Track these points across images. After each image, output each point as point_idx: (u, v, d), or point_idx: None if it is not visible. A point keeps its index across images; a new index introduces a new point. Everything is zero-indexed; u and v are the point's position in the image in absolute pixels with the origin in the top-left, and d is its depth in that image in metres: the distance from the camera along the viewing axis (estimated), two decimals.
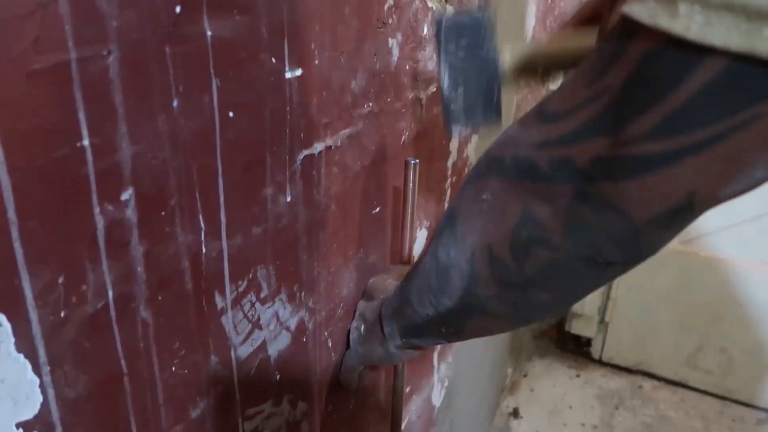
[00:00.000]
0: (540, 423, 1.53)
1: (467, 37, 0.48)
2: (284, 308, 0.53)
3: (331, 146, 0.54)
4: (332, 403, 0.65)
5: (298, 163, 0.49)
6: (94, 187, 0.32)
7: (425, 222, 0.81)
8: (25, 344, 0.30)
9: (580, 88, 0.31)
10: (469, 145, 0.91)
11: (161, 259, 0.38)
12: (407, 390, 0.78)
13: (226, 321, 0.45)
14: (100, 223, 0.33)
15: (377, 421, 0.78)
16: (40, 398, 0.32)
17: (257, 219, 0.46)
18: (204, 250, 0.41)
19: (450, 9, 0.72)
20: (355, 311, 0.65)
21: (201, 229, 0.40)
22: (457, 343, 1.07)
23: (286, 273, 0.51)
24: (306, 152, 0.50)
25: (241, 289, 0.46)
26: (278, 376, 0.54)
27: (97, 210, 0.33)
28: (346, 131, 0.56)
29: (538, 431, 1.50)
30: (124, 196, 0.34)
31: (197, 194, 0.39)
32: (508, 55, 0.51)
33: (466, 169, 0.92)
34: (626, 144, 0.29)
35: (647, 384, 1.68)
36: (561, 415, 1.56)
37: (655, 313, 1.62)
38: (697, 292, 1.56)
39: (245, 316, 0.47)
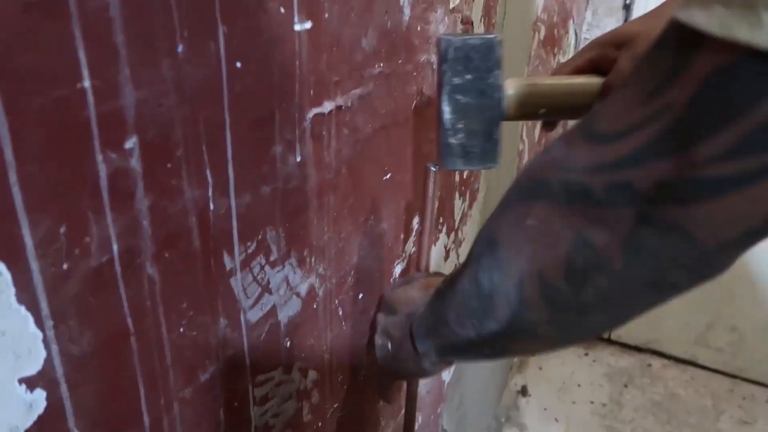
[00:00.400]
0: (548, 400, 1.52)
1: (476, 62, 0.45)
2: (294, 273, 0.51)
3: (341, 106, 0.52)
4: (343, 374, 0.64)
5: (308, 121, 0.48)
6: (96, 132, 0.30)
7: (436, 192, 0.79)
8: (26, 296, 0.29)
9: (635, 106, 0.29)
10: None
11: (168, 213, 0.36)
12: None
13: (235, 283, 0.44)
14: (102, 171, 0.31)
15: (390, 393, 0.77)
16: (44, 353, 0.31)
17: (266, 178, 0.44)
18: (212, 206, 0.39)
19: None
20: (374, 323, 0.63)
21: (208, 183, 0.39)
22: None
23: (296, 237, 0.50)
24: (316, 111, 0.48)
25: (250, 251, 0.45)
26: (288, 343, 0.53)
27: (99, 157, 0.31)
28: (357, 91, 0.54)
29: (547, 408, 1.50)
30: (128, 144, 0.32)
31: (204, 147, 0.38)
32: (510, 90, 0.48)
33: None
34: (695, 166, 0.27)
35: (656, 362, 1.67)
36: (569, 393, 1.55)
37: None
38: None
39: (255, 278, 0.46)
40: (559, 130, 0.66)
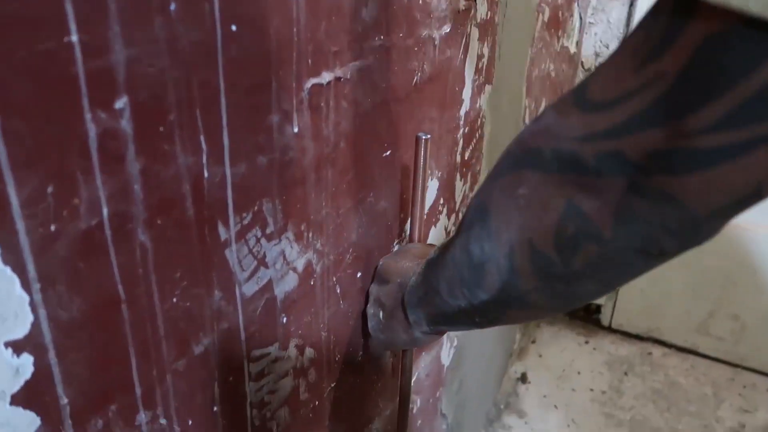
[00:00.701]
0: (548, 388, 1.52)
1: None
2: (291, 248, 0.50)
3: (340, 78, 0.51)
4: (340, 353, 0.63)
5: (306, 92, 0.47)
6: (84, 89, 0.29)
7: (437, 172, 0.78)
8: (11, 257, 0.28)
9: (628, 74, 0.28)
10: (482, 96, 0.88)
11: (160, 179, 0.35)
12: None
13: (230, 254, 0.43)
14: (92, 131, 0.30)
15: (386, 373, 0.76)
16: (31, 317, 0.30)
17: (262, 147, 0.43)
18: (206, 174, 0.39)
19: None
20: (367, 295, 0.63)
21: (202, 150, 0.38)
22: None
23: (293, 210, 0.49)
24: (314, 81, 0.47)
25: (245, 222, 0.44)
26: (285, 319, 0.52)
27: (88, 116, 0.30)
28: (357, 64, 0.53)
29: (546, 396, 1.49)
30: (118, 104, 0.31)
31: (198, 112, 0.37)
32: None
33: (479, 120, 0.89)
34: (687, 136, 0.27)
35: (657, 351, 1.66)
36: (569, 381, 1.54)
37: (666, 280, 1.59)
38: (710, 257, 1.53)
39: (250, 251, 0.45)
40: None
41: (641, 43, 0.28)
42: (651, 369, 1.60)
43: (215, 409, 0.46)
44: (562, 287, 0.36)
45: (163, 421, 0.41)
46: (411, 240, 0.65)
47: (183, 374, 0.41)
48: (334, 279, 0.59)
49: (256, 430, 0.52)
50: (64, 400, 0.33)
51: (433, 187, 0.77)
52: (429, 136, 0.60)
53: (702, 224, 0.30)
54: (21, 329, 0.30)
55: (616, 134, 0.29)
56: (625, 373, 1.58)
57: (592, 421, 1.42)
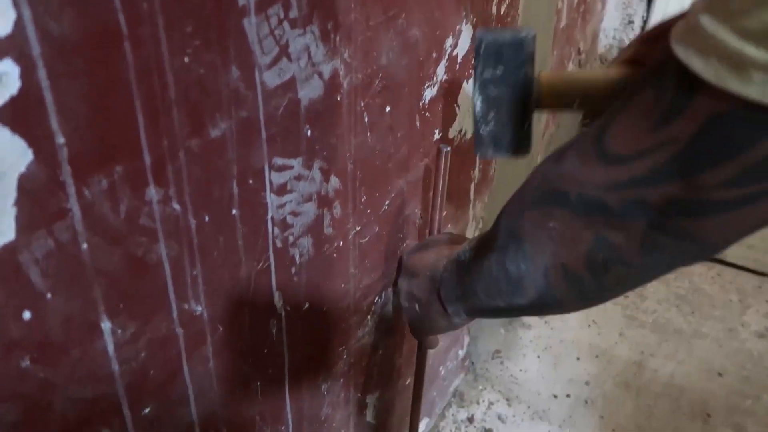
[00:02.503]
0: None
1: (507, 58, 0.48)
2: (316, 46, 0.45)
3: None
4: (366, 194, 0.59)
5: None
6: None
7: (472, 18, 0.71)
8: None
9: (643, 133, 0.32)
10: None
11: None
12: (444, 213, 0.72)
13: (249, 27, 0.37)
14: None
15: (416, 228, 0.72)
16: (13, 14, 0.25)
17: None
18: None
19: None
20: (395, 285, 0.68)
21: None
22: (495, 188, 1.00)
23: (318, 1, 0.43)
24: None
25: None
26: (309, 132, 0.47)
27: None
28: None
29: None
30: None
31: None
32: (543, 82, 0.49)
33: None
34: (701, 189, 0.30)
35: None
36: None
37: None
38: None
39: (271, 32, 0.40)
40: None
41: (652, 105, 0.31)
42: (675, 276, 1.56)
43: (234, 212, 0.42)
44: (595, 296, 0.41)
45: (176, 206, 0.36)
46: (431, 233, 0.70)
47: (198, 157, 0.37)
48: (362, 104, 0.53)
49: (278, 253, 0.48)
50: (61, 139, 0.28)
51: (467, 33, 0.71)
52: (449, 148, 0.66)
53: (716, 250, 0.34)
54: (1, 25, 0.25)
55: (637, 185, 0.33)
56: None
57: (614, 323, 1.39)
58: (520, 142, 0.53)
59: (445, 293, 0.55)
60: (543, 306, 0.44)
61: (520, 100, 0.51)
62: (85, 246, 0.31)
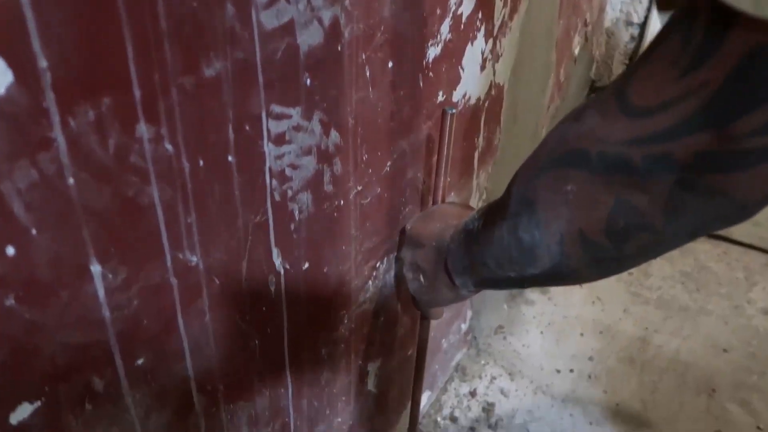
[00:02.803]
0: None
1: None
2: None
3: None
4: (368, 152, 0.57)
5: None
6: None
7: None
8: None
9: (669, 81, 0.30)
10: None
11: None
12: (448, 180, 0.71)
13: None
14: None
15: (417, 192, 0.70)
16: None
17: None
18: None
19: None
20: (398, 254, 0.66)
21: None
22: (499, 159, 0.98)
23: None
24: None
25: None
26: (308, 81, 0.45)
27: None
28: None
29: None
30: None
31: None
32: None
33: None
34: (734, 139, 0.28)
35: None
36: None
37: None
38: None
39: None
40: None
41: (680, 51, 0.29)
42: (680, 253, 1.54)
43: (230, 159, 0.40)
44: (614, 265, 0.38)
45: (168, 146, 0.35)
46: (434, 202, 0.68)
47: (191, 97, 0.35)
48: (364, 57, 0.51)
49: (277, 207, 0.46)
50: (43, 62, 0.27)
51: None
52: (455, 110, 0.64)
53: (749, 211, 0.31)
54: None
55: (663, 138, 0.31)
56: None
57: (618, 299, 1.38)
58: None
59: (452, 264, 0.53)
60: (557, 276, 0.41)
61: None
62: (71, 180, 0.30)
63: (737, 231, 1.57)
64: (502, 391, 1.15)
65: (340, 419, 0.72)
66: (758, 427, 1.09)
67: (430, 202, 0.71)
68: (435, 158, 0.68)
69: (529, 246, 0.41)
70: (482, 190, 0.96)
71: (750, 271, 1.49)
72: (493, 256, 0.46)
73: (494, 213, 0.45)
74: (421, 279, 0.59)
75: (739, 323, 1.32)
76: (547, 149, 0.39)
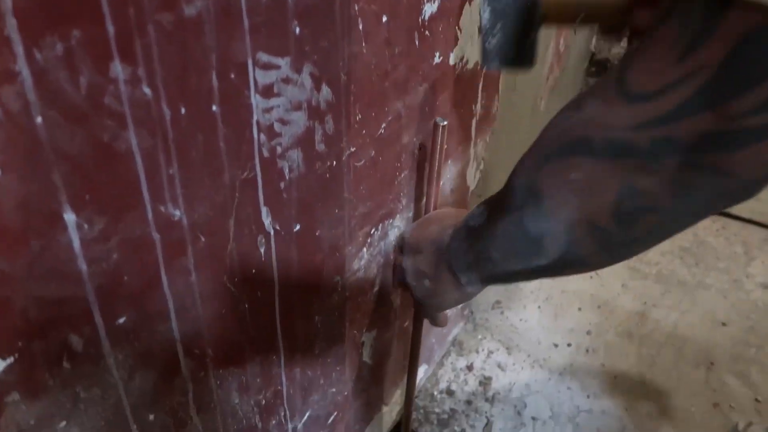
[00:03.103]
0: None
1: None
2: None
3: None
4: (362, 113, 0.55)
5: None
6: None
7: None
8: None
9: (669, 65, 0.30)
10: None
11: None
12: (446, 146, 0.69)
13: None
14: None
15: (413, 157, 0.68)
16: None
17: None
18: None
19: None
20: (398, 268, 0.66)
21: None
22: (497, 129, 0.96)
23: None
24: None
25: None
26: (298, 29, 0.43)
27: None
28: None
29: None
30: None
31: None
32: None
33: None
34: (734, 118, 0.29)
35: None
36: None
37: None
38: None
39: None
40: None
41: (678, 35, 0.29)
42: None
43: (214, 108, 0.38)
44: (623, 250, 0.38)
45: (146, 90, 0.33)
46: (427, 212, 0.70)
47: (170, 36, 0.33)
48: (357, 8, 0.49)
49: (265, 163, 0.44)
50: None
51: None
52: (446, 122, 0.65)
53: (753, 187, 0.32)
54: None
55: (666, 121, 0.31)
56: None
57: (616, 274, 1.37)
58: (525, 55, 0.54)
59: (456, 262, 0.53)
60: (565, 265, 0.42)
61: (525, 13, 0.51)
62: (39, 119, 0.28)
63: (736, 206, 1.56)
64: (499, 365, 1.14)
65: (334, 389, 0.71)
66: (756, 399, 1.08)
67: (423, 211, 0.72)
68: (427, 167, 0.69)
69: (537, 237, 0.41)
70: (480, 159, 0.94)
71: (748, 245, 1.48)
72: (498, 250, 0.46)
73: (497, 206, 0.45)
74: (426, 283, 0.58)
75: (737, 297, 1.31)
76: (548, 139, 0.39)
